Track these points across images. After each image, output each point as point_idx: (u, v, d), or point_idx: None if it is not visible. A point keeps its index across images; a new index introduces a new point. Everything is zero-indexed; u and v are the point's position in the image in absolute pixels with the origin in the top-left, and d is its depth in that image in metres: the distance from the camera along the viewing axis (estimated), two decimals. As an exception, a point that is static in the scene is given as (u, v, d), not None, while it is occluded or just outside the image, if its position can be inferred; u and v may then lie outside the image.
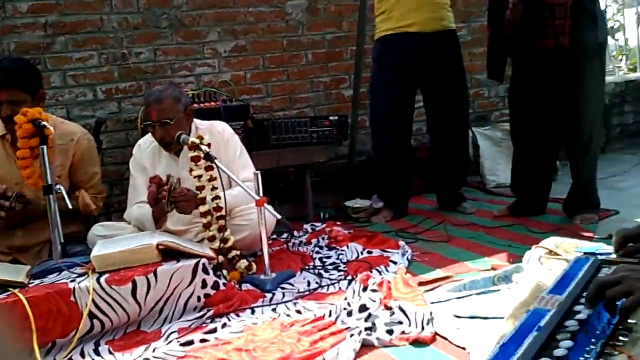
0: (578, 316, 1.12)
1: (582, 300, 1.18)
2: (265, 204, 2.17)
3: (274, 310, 1.95)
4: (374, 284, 1.99)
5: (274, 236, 2.86)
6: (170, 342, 1.74)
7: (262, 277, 2.22)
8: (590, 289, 1.10)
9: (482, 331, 1.58)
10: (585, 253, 1.51)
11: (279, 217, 2.13)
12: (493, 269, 2.09)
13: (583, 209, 2.65)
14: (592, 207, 2.68)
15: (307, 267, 2.37)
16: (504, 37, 2.65)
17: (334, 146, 3.32)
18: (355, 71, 3.69)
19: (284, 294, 2.08)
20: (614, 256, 1.42)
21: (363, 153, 3.90)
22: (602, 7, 5.05)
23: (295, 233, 2.89)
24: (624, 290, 1.04)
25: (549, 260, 1.57)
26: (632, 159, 4.12)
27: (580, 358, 0.99)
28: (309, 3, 3.84)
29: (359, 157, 3.85)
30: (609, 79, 4.94)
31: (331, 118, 3.24)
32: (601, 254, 1.48)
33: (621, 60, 5.52)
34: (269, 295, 2.07)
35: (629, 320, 1.14)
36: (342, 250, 2.54)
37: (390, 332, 1.64)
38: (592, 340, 1.05)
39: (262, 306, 1.99)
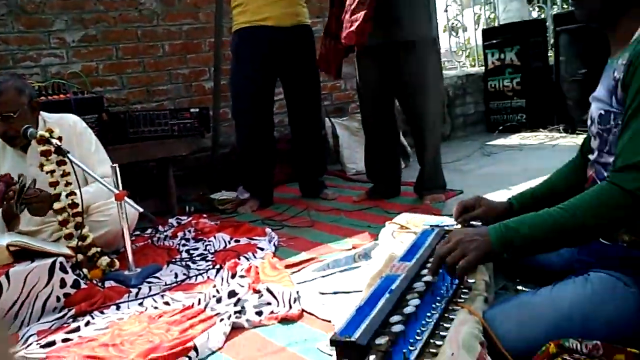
0: (425, 279, 1.25)
1: (429, 264, 1.31)
2: (126, 198, 2.11)
3: (140, 304, 1.91)
4: (242, 270, 2.03)
5: (137, 232, 2.79)
6: (29, 345, 1.64)
7: (126, 272, 2.16)
8: (432, 261, 1.23)
9: (345, 304, 1.68)
10: (431, 225, 1.68)
11: (141, 210, 2.08)
12: (354, 247, 2.22)
13: (431, 190, 2.89)
14: (440, 187, 2.93)
15: (173, 260, 2.34)
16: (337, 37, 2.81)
17: (196, 139, 3.29)
18: (215, 63, 3.68)
19: (150, 287, 2.04)
20: (456, 226, 1.59)
21: (226, 145, 3.90)
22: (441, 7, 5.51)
23: (160, 228, 2.84)
24: (459, 254, 1.18)
25: (400, 234, 1.70)
26: (474, 145, 4.54)
27: (427, 314, 1.11)
28: (164, -7, 3.76)
29: (223, 149, 3.85)
30: (452, 72, 5.40)
31: (192, 110, 3.20)
32: (445, 226, 1.65)
33: (461, 56, 6.04)
34: (134, 290, 2.02)
35: (469, 280, 1.30)
36: (209, 241, 2.54)
37: (259, 313, 1.69)
38: (438, 298, 1.18)
39: (127, 301, 1.94)
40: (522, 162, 3.65)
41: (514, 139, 4.65)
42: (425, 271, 1.28)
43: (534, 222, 1.15)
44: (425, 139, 2.87)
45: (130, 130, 3.04)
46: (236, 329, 1.63)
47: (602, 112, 1.25)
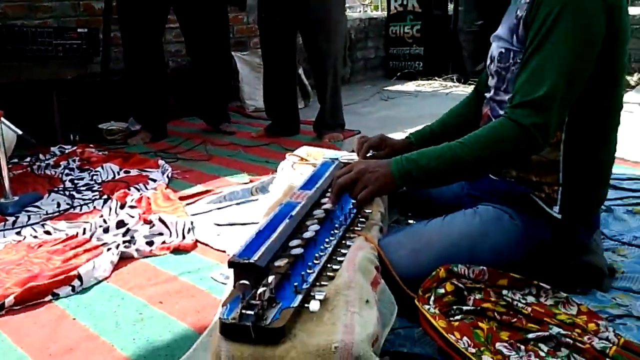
0: (324, 206, 1.24)
1: (329, 194, 1.31)
2: (2, 118, 1.91)
3: (18, 233, 1.77)
4: (132, 200, 1.93)
5: (15, 160, 2.56)
6: None
7: (2, 200, 1.98)
8: (332, 189, 1.21)
9: (240, 235, 1.65)
10: (331, 158, 1.67)
11: (20, 132, 1.91)
12: (251, 181, 2.19)
13: (331, 129, 2.90)
14: (338, 126, 2.94)
15: (56, 189, 2.19)
16: None
17: (83, 62, 3.03)
18: (106, -19, 3.37)
19: (29, 216, 1.89)
20: (355, 158, 1.60)
21: (117, 72, 3.64)
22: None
23: (41, 156, 2.63)
24: (361, 184, 1.18)
25: (300, 166, 1.69)
26: (372, 89, 4.60)
27: (326, 239, 1.11)
28: None
29: (113, 76, 3.59)
30: (355, 15, 5.37)
31: (80, 30, 2.94)
32: (345, 158, 1.65)
33: (366, 0, 6.03)
34: (11, 218, 1.87)
35: (366, 210, 1.31)
36: (96, 171, 2.39)
37: (150, 243, 1.63)
38: (336, 225, 1.18)
39: (3, 230, 1.79)
40: (417, 108, 3.76)
41: (411, 86, 4.76)
42: (325, 200, 1.28)
43: (433, 155, 1.16)
44: (326, 77, 2.84)
45: (8, 47, 2.74)
46: (125, 258, 1.56)
47: (503, 50, 1.28)
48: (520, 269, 1.21)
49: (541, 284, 1.10)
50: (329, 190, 1.33)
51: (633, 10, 4.23)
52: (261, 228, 1.08)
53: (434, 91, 4.46)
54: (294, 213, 1.16)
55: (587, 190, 1.25)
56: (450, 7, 5.05)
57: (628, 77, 3.80)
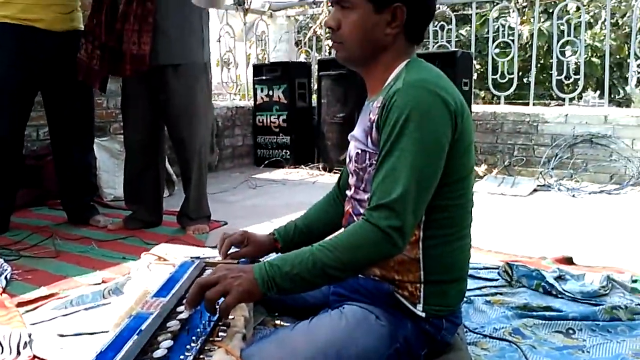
0: (180, 316, 1.14)
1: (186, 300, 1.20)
2: None
3: None
4: (-43, 309, 1.66)
5: None
6: None
7: None
8: (191, 291, 1.13)
9: (88, 347, 1.47)
10: (191, 257, 1.57)
11: None
12: (104, 282, 2.00)
13: (195, 220, 2.78)
14: (204, 218, 2.84)
15: None
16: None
17: None
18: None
19: None
20: (218, 258, 1.52)
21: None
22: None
23: None
24: (220, 290, 1.10)
25: (157, 266, 1.57)
26: (240, 177, 4.57)
27: (181, 356, 1.00)
28: None
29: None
30: (222, 103, 5.41)
31: None
32: (206, 258, 1.56)
33: (232, 88, 6.10)
34: None
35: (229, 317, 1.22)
36: None
37: (-26, 363, 1.39)
38: (193, 338, 1.08)
39: None
40: (285, 196, 3.77)
41: (279, 174, 4.80)
42: (181, 307, 1.17)
43: (295, 260, 1.13)
44: (191, 166, 2.76)
45: None
46: (-60, 384, 1.31)
47: (359, 151, 1.31)
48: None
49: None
50: (187, 296, 1.23)
51: (476, 108, 4.68)
52: (103, 348, 0.95)
53: (301, 179, 4.53)
54: (143, 327, 1.04)
55: (447, 286, 1.27)
56: (314, 99, 5.27)
57: (476, 168, 4.14)
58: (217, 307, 1.10)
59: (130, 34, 2.52)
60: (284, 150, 5.18)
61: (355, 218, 1.34)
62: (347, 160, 1.42)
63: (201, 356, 1.03)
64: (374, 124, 1.23)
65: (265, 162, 5.14)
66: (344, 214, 1.48)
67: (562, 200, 3.62)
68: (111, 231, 2.79)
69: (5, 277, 2.05)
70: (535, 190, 3.88)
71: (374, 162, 1.24)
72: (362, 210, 1.31)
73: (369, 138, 1.26)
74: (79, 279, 2.06)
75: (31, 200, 3.30)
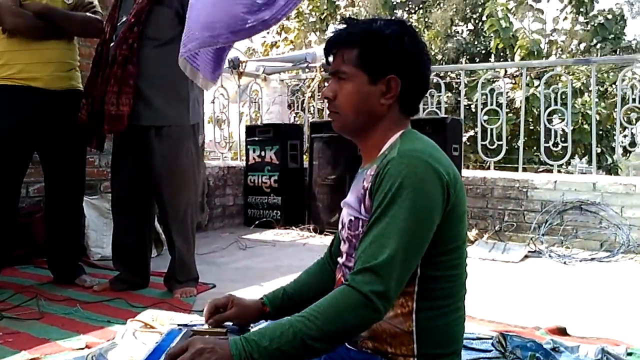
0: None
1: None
2: None
3: None
4: None
5: None
6: None
7: None
8: None
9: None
10: (178, 325, 1.53)
11: None
12: (87, 347, 1.93)
13: (182, 283, 2.73)
14: (191, 280, 2.78)
15: None
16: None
17: None
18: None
19: None
20: (205, 326, 1.48)
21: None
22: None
23: None
24: (188, 357, 1.07)
25: (143, 334, 1.53)
26: (231, 237, 4.53)
27: None
28: None
29: None
30: (214, 163, 5.44)
31: None
32: (194, 325, 1.52)
33: (225, 148, 6.16)
34: None
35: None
36: None
37: None
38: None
39: None
40: (275, 258, 3.74)
41: (269, 234, 4.78)
42: (166, 382, 1.13)
43: (274, 333, 1.10)
44: (172, 229, 2.73)
45: None
46: None
47: (352, 218, 1.31)
48: None
49: None
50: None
51: (467, 173, 4.73)
52: None
53: (291, 241, 4.50)
54: (128, 402, 1.00)
55: (442, 359, 1.24)
56: (306, 161, 5.31)
57: (467, 233, 4.13)
58: None
59: (110, 95, 2.56)
60: (275, 211, 5.17)
61: (343, 286, 1.32)
62: (340, 227, 1.41)
63: None
64: (367, 192, 1.24)
65: (256, 223, 5.12)
66: (335, 281, 1.46)
67: (554, 267, 3.61)
68: (97, 292, 2.72)
69: (-15, 340, 1.99)
70: (526, 256, 3.87)
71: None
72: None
73: (362, 205, 1.26)
74: (62, 343, 1.99)
75: (18, 258, 3.24)
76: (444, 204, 1.19)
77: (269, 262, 3.62)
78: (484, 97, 5.15)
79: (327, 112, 1.39)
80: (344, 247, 1.36)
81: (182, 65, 2.34)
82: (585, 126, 7.99)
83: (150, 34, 2.61)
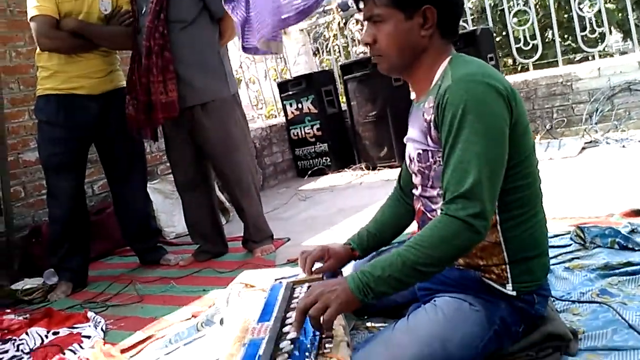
0: (289, 336, 1.21)
1: (289, 321, 1.28)
2: None
3: None
4: (70, 366, 1.78)
5: None
6: None
7: None
8: (295, 316, 1.20)
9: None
10: (276, 279, 1.65)
11: None
12: (194, 316, 2.09)
13: (260, 242, 2.87)
14: (267, 239, 2.92)
15: (-22, 372, 1.98)
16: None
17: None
18: None
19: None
20: (302, 276, 1.59)
21: (24, 227, 3.48)
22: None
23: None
24: (321, 307, 1.17)
25: (247, 293, 1.64)
26: (288, 192, 4.65)
27: (301, 373, 1.07)
28: None
29: (19, 232, 3.41)
30: (255, 125, 5.51)
31: (-23, 192, 2.80)
32: (290, 277, 1.63)
33: (260, 108, 6.23)
34: None
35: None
36: (21, 340, 2.18)
37: (102, 412, 1.48)
38: (306, 354, 1.15)
39: None
40: (337, 203, 3.82)
41: (324, 181, 4.87)
42: (287, 328, 1.24)
43: (385, 264, 1.19)
44: (239, 196, 2.85)
45: None
46: None
47: (420, 151, 1.36)
48: (493, 353, 1.24)
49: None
50: (288, 316, 1.30)
51: (515, 78, 4.65)
52: (233, 377, 1.02)
53: (347, 183, 4.58)
54: (261, 352, 1.12)
55: (532, 262, 1.31)
56: (343, 104, 5.31)
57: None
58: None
59: (157, 85, 2.64)
60: (324, 158, 5.24)
61: (428, 214, 1.39)
62: (408, 161, 1.47)
63: (317, 369, 1.10)
64: (431, 124, 1.28)
65: (309, 173, 5.21)
66: (411, 211, 1.53)
67: (613, 153, 3.57)
68: (183, 267, 2.90)
69: (102, 329, 2.17)
70: (583, 148, 3.84)
71: (438, 158, 1.29)
72: (433, 207, 1.37)
73: (428, 138, 1.31)
74: (169, 318, 2.16)
75: (101, 253, 3.45)
76: (509, 117, 1.23)
77: (332, 207, 3.72)
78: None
79: (372, 57, 1.41)
80: (416, 180, 1.42)
81: (264, 46, 2.53)
82: (609, 5, 7.65)
83: (173, 18, 2.66)
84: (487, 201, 1.17)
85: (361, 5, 1.37)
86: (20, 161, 3.56)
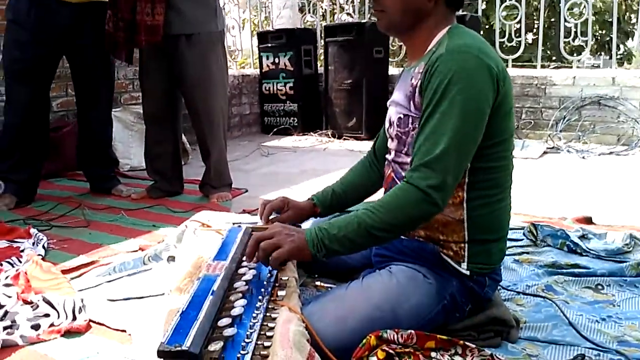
0: (244, 277, 1.20)
1: (244, 264, 1.27)
2: None
3: None
4: (7, 277, 1.72)
5: None
6: None
7: None
8: (249, 244, 1.21)
9: (139, 311, 1.53)
10: (234, 223, 1.63)
11: None
12: (141, 249, 2.05)
13: (218, 188, 2.83)
14: (226, 186, 2.88)
15: None
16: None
17: None
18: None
19: None
20: (259, 224, 1.57)
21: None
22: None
23: None
24: (274, 242, 1.18)
25: (203, 232, 1.62)
26: (251, 145, 4.60)
27: (252, 314, 1.06)
28: None
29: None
30: (229, 72, 5.39)
31: None
32: (250, 223, 1.61)
33: (234, 57, 6.09)
34: None
35: (282, 278, 1.28)
36: (-45, 246, 2.11)
37: (36, 327, 1.44)
38: (259, 297, 1.14)
39: None
40: (298, 164, 3.81)
41: (288, 141, 4.84)
42: (242, 270, 1.23)
43: (342, 223, 1.20)
44: (208, 137, 2.79)
45: None
46: (7, 347, 1.37)
47: (401, 115, 1.35)
48: (437, 326, 1.26)
49: (467, 343, 1.14)
50: (243, 259, 1.29)
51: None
52: (184, 308, 1.00)
53: (311, 146, 4.56)
54: (215, 288, 1.10)
55: (490, 245, 1.33)
56: (321, 67, 5.26)
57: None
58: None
59: (144, 5, 2.53)
60: (292, 118, 5.20)
61: (397, 181, 1.39)
62: (387, 125, 1.46)
63: (268, 314, 1.09)
64: (417, 89, 1.27)
65: (274, 130, 5.16)
66: (381, 177, 1.53)
67: (573, 162, 3.67)
68: (135, 200, 2.83)
69: (43, 246, 2.10)
70: (545, 152, 3.93)
71: (417, 125, 1.28)
72: (403, 174, 1.36)
73: (411, 103, 1.30)
74: (115, 247, 2.11)
75: (50, 173, 3.33)
76: (494, 97, 1.23)
77: (293, 167, 3.70)
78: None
79: (373, 11, 1.39)
80: (392, 145, 1.41)
81: None
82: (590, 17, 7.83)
83: None
84: (450, 175, 1.18)
85: None
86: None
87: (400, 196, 1.19)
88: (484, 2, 5.89)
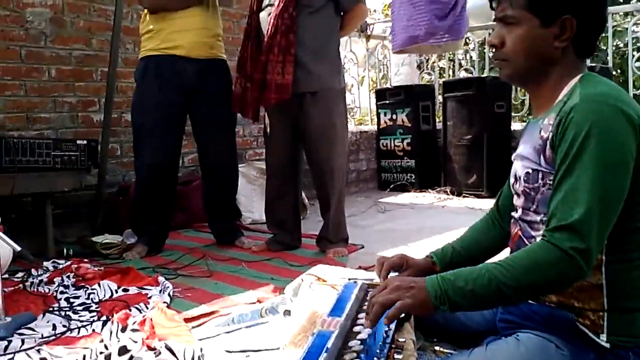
0: (359, 336, 1.16)
1: (360, 320, 1.23)
2: (1, 234, 1.83)
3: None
4: (134, 323, 1.81)
5: (6, 276, 2.43)
6: None
7: (-8, 323, 1.85)
8: (371, 311, 1.15)
9: (255, 364, 1.53)
10: (349, 279, 1.60)
11: (19, 249, 1.82)
12: (259, 301, 2.08)
13: (335, 243, 2.84)
14: (342, 241, 2.88)
15: (51, 309, 2.06)
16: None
17: (80, 174, 2.98)
18: (107, 94, 3.38)
19: (23, 340, 1.75)
20: (376, 281, 1.53)
21: (113, 184, 3.63)
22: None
23: (34, 271, 2.50)
24: (393, 298, 1.13)
25: (318, 287, 1.61)
26: (368, 201, 4.60)
27: (367, 376, 1.01)
28: (54, 13, 3.48)
29: (109, 188, 3.56)
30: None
31: (79, 142, 2.93)
32: (366, 279, 1.58)
33: (356, 113, 6.20)
34: (3, 343, 1.73)
35: (399, 339, 1.22)
36: (92, 289, 2.26)
37: (158, 373, 1.49)
38: (375, 358, 1.09)
39: (-7, 358, 1.65)
40: (416, 221, 3.73)
41: (405, 198, 4.78)
42: (357, 328, 1.19)
43: (470, 276, 1.12)
44: (329, 190, 2.83)
45: (5, 158, 2.68)
46: (131, 391, 1.43)
47: (529, 170, 1.26)
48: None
49: None
50: (359, 317, 1.26)
51: None
52: (300, 365, 0.98)
53: (430, 203, 4.47)
54: (329, 345, 1.07)
55: (635, 315, 1.19)
56: (439, 123, 5.20)
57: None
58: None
59: (275, 64, 2.65)
60: (409, 174, 5.15)
61: (525, 240, 1.29)
62: (512, 180, 1.38)
63: (383, 377, 1.04)
64: (548, 142, 1.19)
65: (391, 186, 5.14)
66: (505, 236, 1.44)
67: None
68: (256, 252, 2.91)
69: (169, 294, 2.20)
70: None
71: (548, 181, 1.20)
72: (533, 233, 1.27)
73: (541, 157, 1.22)
74: (235, 298, 2.16)
75: (180, 224, 3.54)
76: (637, 148, 1.12)
77: (411, 224, 3.63)
78: (634, 40, 4.71)
79: (494, 60, 1.35)
80: (518, 201, 1.33)
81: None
82: None
83: (304, 1, 2.67)
84: (595, 238, 1.07)
85: (494, 4, 1.30)
86: (122, 120, 3.72)
87: (538, 254, 1.10)
88: (616, 55, 5.57)
